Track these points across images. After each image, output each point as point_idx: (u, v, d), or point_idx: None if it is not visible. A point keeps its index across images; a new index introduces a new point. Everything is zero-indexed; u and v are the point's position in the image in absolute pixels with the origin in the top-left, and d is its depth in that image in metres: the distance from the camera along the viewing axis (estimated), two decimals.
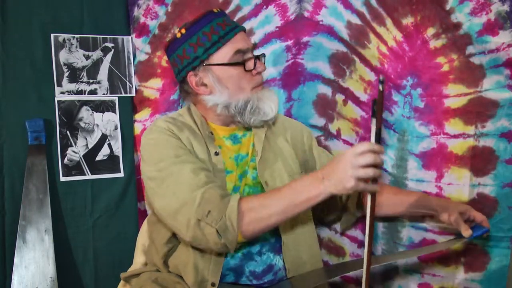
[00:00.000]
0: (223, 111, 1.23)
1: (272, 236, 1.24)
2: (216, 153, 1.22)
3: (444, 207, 1.24)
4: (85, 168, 1.60)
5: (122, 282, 1.37)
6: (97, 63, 1.63)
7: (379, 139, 0.96)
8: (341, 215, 1.46)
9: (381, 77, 0.92)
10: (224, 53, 1.20)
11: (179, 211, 1.10)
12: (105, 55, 1.64)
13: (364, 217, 1.47)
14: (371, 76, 1.46)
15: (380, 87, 0.92)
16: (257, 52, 1.31)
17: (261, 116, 1.22)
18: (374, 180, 1.00)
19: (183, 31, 1.21)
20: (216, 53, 1.20)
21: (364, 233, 1.55)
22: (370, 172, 0.98)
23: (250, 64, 1.21)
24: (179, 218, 1.10)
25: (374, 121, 0.93)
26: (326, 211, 1.44)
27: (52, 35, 1.58)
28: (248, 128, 1.30)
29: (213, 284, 1.16)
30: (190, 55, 1.21)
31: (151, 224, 1.33)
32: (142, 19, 1.65)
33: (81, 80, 1.61)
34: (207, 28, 1.19)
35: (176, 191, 1.11)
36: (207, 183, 1.11)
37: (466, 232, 1.19)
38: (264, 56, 1.28)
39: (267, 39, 1.60)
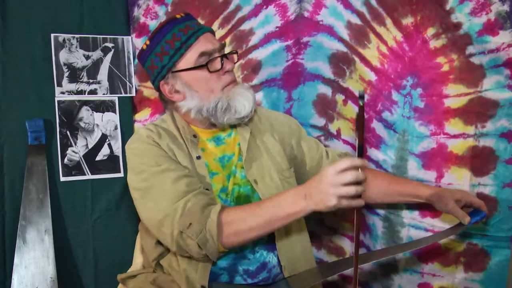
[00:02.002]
0: (197, 115, 1.22)
1: None
2: (198, 157, 1.22)
3: (440, 196, 1.22)
4: (85, 168, 1.60)
5: (120, 284, 1.37)
6: (97, 63, 1.63)
7: (361, 154, 0.94)
8: None
9: (360, 92, 0.90)
10: (188, 58, 1.19)
11: (163, 223, 1.11)
12: (105, 55, 1.64)
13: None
14: (371, 76, 1.46)
15: (360, 102, 0.89)
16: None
17: (233, 114, 1.20)
18: (358, 195, 0.97)
19: (148, 42, 1.23)
20: (180, 60, 1.20)
21: (364, 234, 1.55)
22: (352, 190, 0.96)
23: (215, 65, 1.20)
24: (163, 230, 1.11)
25: (356, 135, 0.93)
26: None
27: (52, 35, 1.58)
28: (232, 127, 1.29)
29: (203, 287, 1.17)
30: (158, 65, 1.21)
31: (141, 230, 1.34)
32: (142, 19, 1.65)
33: (81, 80, 1.61)
34: (169, 36, 1.19)
35: (159, 203, 1.12)
36: (187, 192, 1.12)
37: (465, 219, 1.17)
38: (237, 53, 1.27)
39: (267, 39, 1.60)
